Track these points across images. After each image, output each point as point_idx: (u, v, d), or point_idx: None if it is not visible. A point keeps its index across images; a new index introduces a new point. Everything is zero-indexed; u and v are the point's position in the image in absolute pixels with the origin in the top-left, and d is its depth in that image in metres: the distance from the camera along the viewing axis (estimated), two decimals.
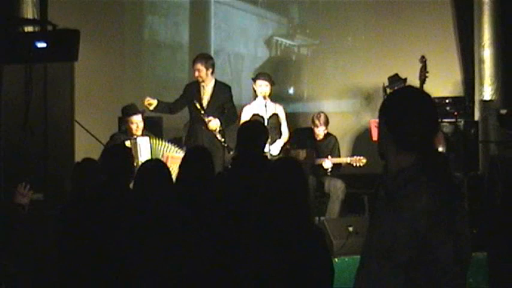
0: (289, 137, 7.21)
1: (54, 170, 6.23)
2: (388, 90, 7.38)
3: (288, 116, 7.36)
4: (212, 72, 6.72)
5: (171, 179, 3.74)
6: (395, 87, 7.41)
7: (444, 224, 2.07)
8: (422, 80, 6.96)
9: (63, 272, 4.14)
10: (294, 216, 3.10)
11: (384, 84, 7.30)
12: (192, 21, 9.07)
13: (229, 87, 6.84)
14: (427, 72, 6.92)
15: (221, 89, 6.76)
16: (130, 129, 6.57)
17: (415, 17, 8.53)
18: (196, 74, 6.66)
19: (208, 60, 6.74)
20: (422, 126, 2.16)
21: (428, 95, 2.25)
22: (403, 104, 2.20)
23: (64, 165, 6.26)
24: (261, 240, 3.11)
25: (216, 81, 6.77)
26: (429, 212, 2.05)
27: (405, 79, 7.41)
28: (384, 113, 2.23)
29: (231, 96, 6.79)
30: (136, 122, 6.57)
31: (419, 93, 2.26)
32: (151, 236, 3.52)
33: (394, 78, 7.47)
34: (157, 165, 3.81)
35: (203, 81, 6.67)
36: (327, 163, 7.14)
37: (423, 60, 6.99)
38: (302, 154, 7.15)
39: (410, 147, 2.16)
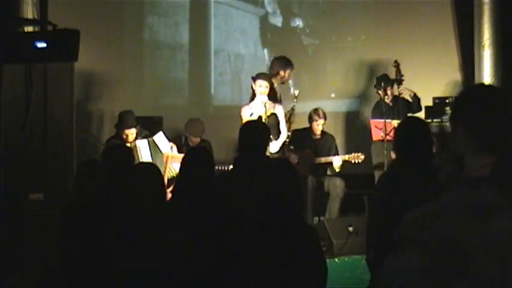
0: (289, 136, 7.21)
1: (54, 170, 6.23)
2: (376, 90, 7.43)
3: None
4: None
5: (163, 183, 3.79)
6: (384, 87, 7.43)
7: None
8: (399, 82, 7.11)
9: (64, 272, 4.14)
10: (287, 216, 3.10)
11: (375, 84, 7.34)
12: (192, 21, 9.07)
13: None
14: (402, 75, 7.09)
15: None
16: (127, 138, 6.61)
17: (415, 17, 8.53)
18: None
19: None
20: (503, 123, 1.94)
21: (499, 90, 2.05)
22: (480, 102, 1.98)
23: (64, 165, 6.26)
24: (255, 240, 3.12)
25: None
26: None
27: (393, 80, 7.43)
28: (460, 116, 1.98)
29: None
30: (131, 133, 6.61)
31: (492, 89, 2.06)
32: (148, 236, 3.52)
33: (383, 78, 7.48)
34: (149, 169, 3.85)
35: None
36: (337, 161, 7.13)
37: (396, 64, 7.16)
38: (300, 155, 7.15)
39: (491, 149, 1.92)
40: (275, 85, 6.92)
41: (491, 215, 1.88)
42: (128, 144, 6.29)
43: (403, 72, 7.52)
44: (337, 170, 7.21)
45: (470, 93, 2.07)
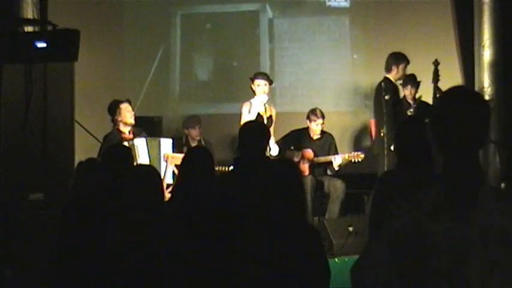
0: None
1: (54, 170, 6.23)
2: (402, 89, 7.48)
3: (287, 115, 7.34)
4: None
5: (161, 185, 3.80)
6: (408, 86, 7.44)
7: None
8: (436, 81, 7.10)
9: (64, 271, 4.14)
10: (289, 216, 3.10)
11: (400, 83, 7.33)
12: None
13: None
14: (439, 75, 7.09)
15: None
16: (125, 117, 6.57)
17: (415, 17, 8.53)
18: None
19: None
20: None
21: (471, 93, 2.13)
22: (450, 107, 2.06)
23: (64, 165, 6.26)
24: (256, 240, 3.12)
25: None
26: None
27: (419, 82, 7.46)
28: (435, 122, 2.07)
29: None
30: (128, 108, 6.61)
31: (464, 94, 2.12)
32: (148, 237, 3.52)
33: (409, 78, 7.51)
34: (147, 171, 3.85)
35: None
36: (338, 159, 7.12)
37: (436, 63, 7.16)
38: (298, 155, 7.15)
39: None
40: (394, 81, 6.95)
41: (468, 214, 1.93)
42: (126, 143, 6.29)
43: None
44: (337, 169, 7.19)
45: (440, 104, 2.12)
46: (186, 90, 8.89)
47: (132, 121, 6.63)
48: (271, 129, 6.79)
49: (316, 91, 8.70)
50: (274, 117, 6.84)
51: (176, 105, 8.78)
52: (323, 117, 7.28)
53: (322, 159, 7.20)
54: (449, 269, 1.91)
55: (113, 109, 6.66)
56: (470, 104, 2.04)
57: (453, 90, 2.16)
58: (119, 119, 6.61)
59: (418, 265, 1.94)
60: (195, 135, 7.49)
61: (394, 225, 2.02)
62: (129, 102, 6.73)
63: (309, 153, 7.20)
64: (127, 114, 6.61)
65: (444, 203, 1.96)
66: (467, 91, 2.14)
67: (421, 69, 7.38)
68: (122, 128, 6.62)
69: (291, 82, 8.75)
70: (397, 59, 6.99)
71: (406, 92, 7.46)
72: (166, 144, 6.67)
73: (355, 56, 8.82)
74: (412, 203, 2.02)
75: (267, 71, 8.57)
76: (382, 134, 6.95)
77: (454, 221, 1.93)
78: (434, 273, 1.92)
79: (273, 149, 6.78)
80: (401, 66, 7.00)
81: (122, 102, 6.66)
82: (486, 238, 1.91)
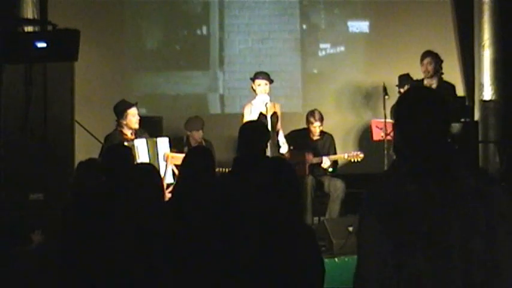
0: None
1: (54, 170, 6.23)
2: (398, 89, 7.43)
3: (286, 115, 7.33)
4: None
5: (161, 184, 3.80)
6: (405, 86, 7.45)
7: None
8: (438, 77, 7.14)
9: (64, 271, 4.15)
10: (284, 215, 3.11)
11: (383, 84, 7.31)
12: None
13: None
14: (443, 73, 7.11)
15: None
16: (131, 122, 6.57)
17: (415, 17, 8.54)
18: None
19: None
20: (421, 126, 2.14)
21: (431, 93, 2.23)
22: (406, 104, 2.20)
23: (64, 165, 6.26)
24: (254, 240, 3.12)
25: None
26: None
27: (415, 80, 7.45)
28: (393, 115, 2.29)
29: None
30: (135, 113, 6.61)
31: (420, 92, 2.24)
32: (148, 236, 3.53)
33: (404, 77, 7.50)
34: (147, 169, 3.85)
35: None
36: (325, 161, 7.13)
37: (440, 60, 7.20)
38: (299, 155, 7.14)
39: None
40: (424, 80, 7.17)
41: (442, 178, 2.07)
42: (126, 143, 6.29)
43: (402, 72, 7.54)
44: (330, 170, 7.19)
45: (402, 99, 2.26)
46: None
47: (136, 126, 6.63)
48: (279, 125, 6.80)
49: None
50: (279, 113, 6.84)
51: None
52: (321, 119, 7.27)
53: (315, 160, 7.22)
54: (429, 230, 2.01)
55: (120, 112, 6.64)
56: (425, 101, 2.17)
57: (410, 89, 2.38)
58: (124, 122, 6.60)
59: (403, 228, 2.04)
60: (197, 137, 7.46)
61: (377, 194, 2.16)
62: (137, 105, 6.71)
63: (309, 154, 7.21)
64: (133, 119, 6.60)
65: (419, 170, 2.10)
66: (420, 89, 2.27)
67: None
68: (125, 130, 6.62)
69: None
70: (421, 56, 7.31)
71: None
72: (163, 143, 6.67)
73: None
74: (391, 171, 2.23)
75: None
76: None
77: (430, 183, 2.06)
78: (417, 235, 2.02)
79: (283, 147, 6.78)
80: (424, 63, 7.26)
81: (130, 106, 6.60)
82: (462, 198, 2.03)
